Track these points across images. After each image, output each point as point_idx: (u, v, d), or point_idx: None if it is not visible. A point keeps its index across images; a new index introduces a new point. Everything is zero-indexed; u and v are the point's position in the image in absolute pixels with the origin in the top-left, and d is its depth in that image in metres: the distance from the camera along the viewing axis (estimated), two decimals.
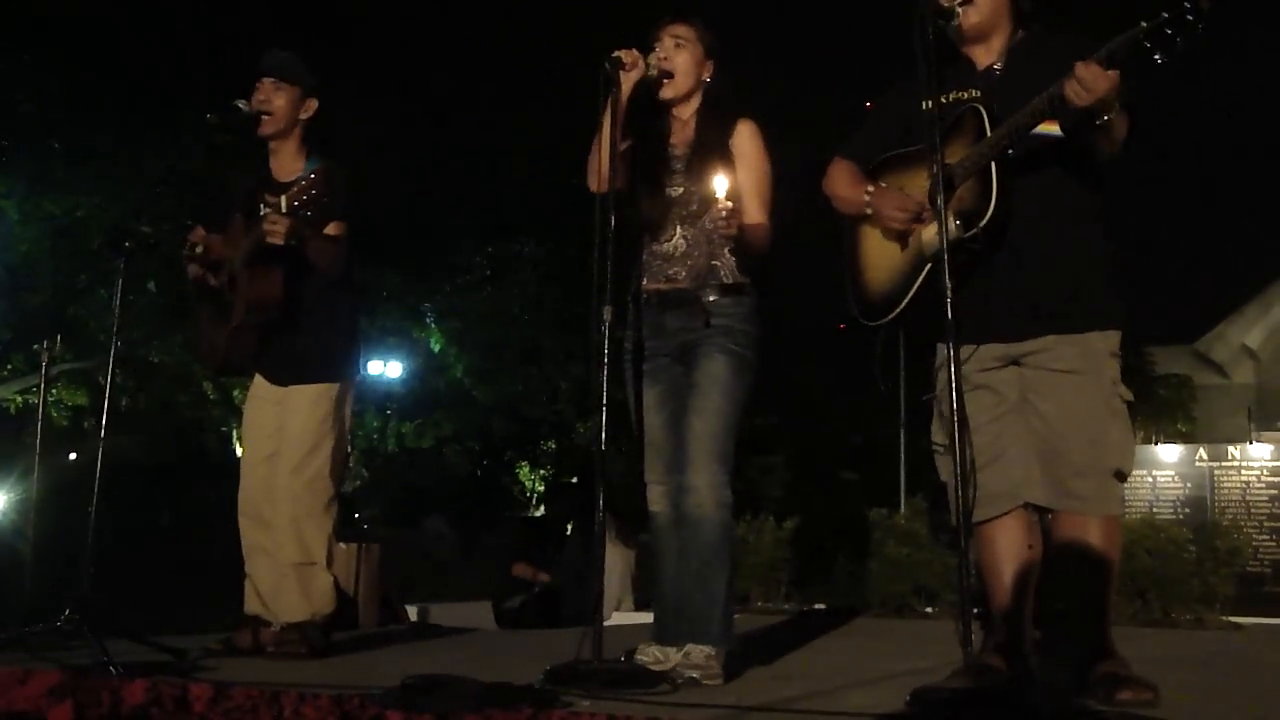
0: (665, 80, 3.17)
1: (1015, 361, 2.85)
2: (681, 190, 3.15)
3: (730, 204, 2.90)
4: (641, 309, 3.16)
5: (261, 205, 3.40)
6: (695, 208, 3.11)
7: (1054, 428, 2.78)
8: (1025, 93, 2.70)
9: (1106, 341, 2.81)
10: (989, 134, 2.71)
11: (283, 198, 3.31)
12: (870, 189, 2.97)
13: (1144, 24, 2.42)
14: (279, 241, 3.34)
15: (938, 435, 2.96)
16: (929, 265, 2.79)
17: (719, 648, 2.91)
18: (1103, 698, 2.59)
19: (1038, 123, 2.65)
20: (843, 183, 3.08)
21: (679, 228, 3.14)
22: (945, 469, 2.89)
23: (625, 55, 3.06)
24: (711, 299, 3.08)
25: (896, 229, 2.89)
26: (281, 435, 3.63)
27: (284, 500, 3.57)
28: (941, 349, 2.94)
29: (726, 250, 3.09)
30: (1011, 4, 2.91)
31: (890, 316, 2.92)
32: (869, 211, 2.97)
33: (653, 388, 3.16)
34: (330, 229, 3.56)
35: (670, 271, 3.14)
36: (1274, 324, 14.81)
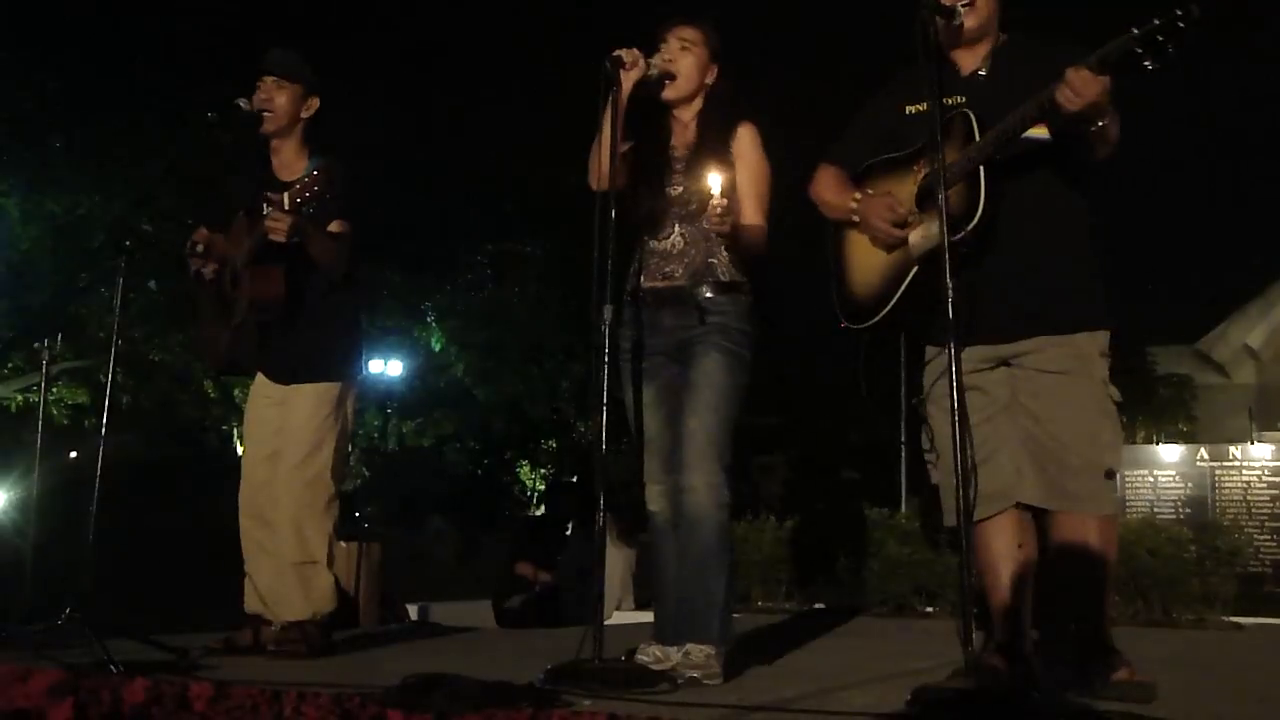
0: (667, 81, 3.17)
1: (1005, 362, 2.86)
2: (681, 189, 3.16)
3: (724, 200, 2.91)
4: (639, 307, 3.16)
5: (264, 204, 3.40)
6: (694, 207, 3.11)
7: (1046, 428, 2.79)
8: (1009, 97, 2.71)
9: (1095, 342, 2.83)
10: (977, 138, 2.71)
11: (285, 194, 3.31)
12: (857, 196, 2.98)
13: (1135, 30, 2.42)
14: (281, 238, 3.34)
15: (926, 441, 2.97)
16: (915, 268, 2.81)
17: (718, 647, 2.91)
18: (1099, 684, 2.63)
19: (1027, 127, 2.67)
20: (829, 188, 3.11)
21: (677, 226, 3.15)
22: (935, 473, 2.90)
23: (626, 54, 3.06)
24: (707, 296, 3.08)
25: (883, 238, 2.90)
26: (283, 434, 3.62)
27: (285, 499, 3.56)
28: (930, 351, 2.95)
29: (723, 249, 3.09)
30: (999, 9, 2.93)
31: (876, 319, 2.94)
32: (855, 219, 2.98)
33: (650, 386, 3.16)
34: (333, 227, 3.56)
35: (667, 269, 3.14)
36: (1275, 324, 14.79)
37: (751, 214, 3.13)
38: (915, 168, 2.85)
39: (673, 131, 3.24)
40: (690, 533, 2.99)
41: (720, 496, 2.98)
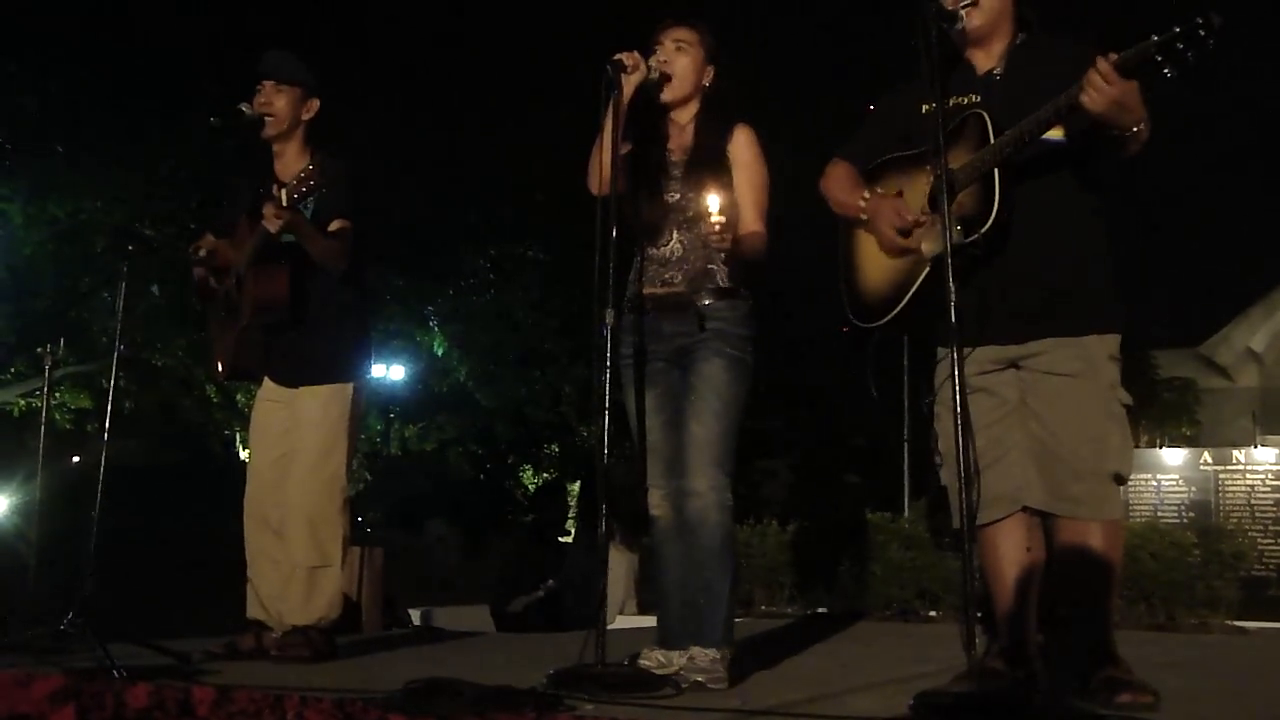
0: (665, 84, 3.17)
1: (1014, 364, 2.85)
2: (678, 196, 3.15)
3: (723, 219, 2.91)
4: (639, 313, 3.16)
5: (264, 202, 3.41)
6: (691, 214, 3.11)
7: (1052, 431, 2.77)
8: (1024, 97, 2.70)
9: (1105, 345, 2.81)
10: (992, 140, 2.70)
11: (283, 191, 3.32)
12: (867, 196, 2.97)
13: (1155, 37, 2.41)
14: (273, 227, 3.34)
15: (936, 442, 2.96)
16: (927, 268, 2.79)
17: (722, 650, 2.91)
18: (1102, 701, 2.59)
19: (1045, 130, 2.65)
20: (840, 186, 3.09)
21: (675, 233, 3.14)
22: (946, 473, 2.89)
23: (627, 58, 3.05)
24: (707, 303, 3.08)
25: (888, 244, 2.90)
26: (294, 437, 3.61)
27: (299, 501, 3.55)
28: (941, 352, 2.94)
29: (722, 255, 3.09)
30: (1013, 8, 2.92)
31: (886, 319, 2.92)
32: (864, 218, 2.98)
33: (650, 391, 3.16)
34: (333, 225, 3.56)
35: (666, 276, 3.14)
36: (1278, 327, 14.77)
37: (751, 220, 3.12)
38: (928, 167, 2.82)
39: (669, 135, 3.23)
40: (693, 536, 2.99)
41: (723, 500, 2.98)
